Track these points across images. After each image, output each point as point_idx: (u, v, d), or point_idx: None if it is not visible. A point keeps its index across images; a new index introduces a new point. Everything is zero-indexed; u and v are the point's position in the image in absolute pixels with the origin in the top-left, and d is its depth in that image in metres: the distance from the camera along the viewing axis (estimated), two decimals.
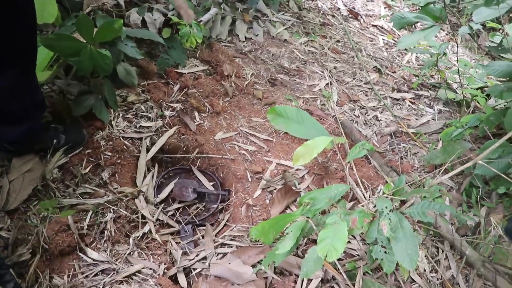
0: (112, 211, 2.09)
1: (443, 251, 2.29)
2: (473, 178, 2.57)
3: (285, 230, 1.69)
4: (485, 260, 2.18)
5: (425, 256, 2.23)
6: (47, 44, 2.00)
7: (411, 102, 3.42)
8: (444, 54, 3.23)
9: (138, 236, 2.08)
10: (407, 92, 3.54)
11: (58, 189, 2.10)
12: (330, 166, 2.59)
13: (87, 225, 2.00)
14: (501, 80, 2.99)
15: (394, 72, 3.81)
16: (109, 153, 2.31)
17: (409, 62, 4.08)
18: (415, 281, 2.13)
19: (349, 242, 2.19)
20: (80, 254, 1.90)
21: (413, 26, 4.63)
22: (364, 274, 2.05)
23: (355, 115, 3.13)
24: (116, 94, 2.53)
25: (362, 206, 1.89)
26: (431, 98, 3.50)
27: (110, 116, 2.45)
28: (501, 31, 3.78)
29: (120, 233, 2.05)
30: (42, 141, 2.13)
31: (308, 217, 1.71)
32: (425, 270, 2.18)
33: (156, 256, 2.04)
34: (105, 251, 1.96)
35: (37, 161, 2.11)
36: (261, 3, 3.91)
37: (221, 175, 2.53)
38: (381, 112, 3.23)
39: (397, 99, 3.43)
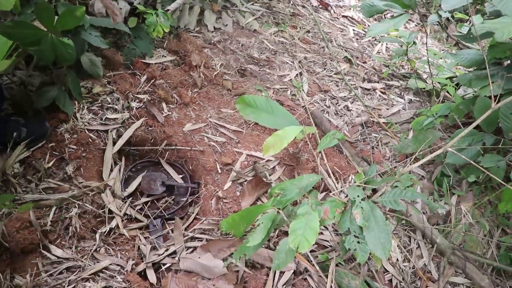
0: (77, 206, 2.02)
1: (415, 240, 2.29)
2: (444, 167, 2.59)
3: (256, 222, 1.66)
4: (455, 247, 2.19)
5: (397, 246, 2.23)
6: (5, 32, 1.90)
7: (381, 92, 3.42)
8: (414, 43, 3.24)
9: (104, 232, 2.02)
10: (378, 82, 3.54)
11: (20, 185, 2.02)
12: (301, 156, 2.57)
13: (51, 221, 1.92)
14: (465, 66, 3.02)
15: (365, 62, 3.80)
16: (74, 147, 2.23)
17: (379, 52, 4.08)
18: (388, 271, 2.14)
19: (321, 233, 2.18)
20: (43, 251, 1.83)
21: (383, 16, 4.64)
22: (337, 265, 2.04)
23: (326, 105, 3.12)
24: (81, 85, 2.45)
25: (334, 195, 1.88)
26: (402, 88, 3.51)
27: (75, 108, 2.36)
28: (468, 22, 3.82)
29: (85, 228, 1.98)
30: (1, 135, 2.04)
31: (279, 208, 1.68)
32: (397, 260, 2.19)
33: (124, 252, 1.98)
34: (70, 248, 1.90)
35: None
36: None
37: (190, 168, 2.48)
38: (352, 102, 3.22)
39: (368, 89, 3.43)
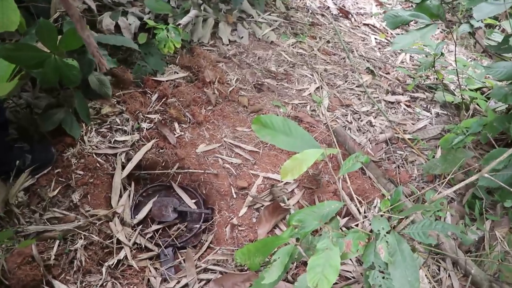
0: (83, 237, 1.92)
1: (445, 269, 2.12)
2: (476, 189, 2.40)
3: (272, 253, 1.52)
4: (492, 279, 2.01)
5: (425, 276, 2.05)
6: (5, 55, 1.81)
7: (406, 105, 3.24)
8: (442, 54, 3.05)
9: (112, 264, 1.91)
10: (402, 94, 3.36)
11: (23, 215, 1.92)
12: (321, 178, 2.42)
13: (55, 254, 1.83)
14: (500, 80, 2.83)
15: (388, 73, 3.63)
16: (81, 172, 2.13)
17: (403, 62, 3.90)
18: None
19: (343, 263, 2.02)
20: None
21: (407, 24, 4.46)
22: None
23: (347, 121, 2.95)
24: (89, 106, 2.36)
25: (357, 225, 1.73)
26: (428, 100, 3.33)
27: (82, 131, 2.27)
28: (498, 27, 3.61)
29: (92, 261, 1.88)
30: (4, 163, 1.95)
31: (297, 239, 1.54)
32: None
33: (132, 286, 1.87)
34: (75, 283, 1.80)
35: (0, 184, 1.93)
36: (245, 3, 3.74)
37: (204, 192, 2.35)
38: (375, 117, 3.05)
39: (392, 103, 3.25)
